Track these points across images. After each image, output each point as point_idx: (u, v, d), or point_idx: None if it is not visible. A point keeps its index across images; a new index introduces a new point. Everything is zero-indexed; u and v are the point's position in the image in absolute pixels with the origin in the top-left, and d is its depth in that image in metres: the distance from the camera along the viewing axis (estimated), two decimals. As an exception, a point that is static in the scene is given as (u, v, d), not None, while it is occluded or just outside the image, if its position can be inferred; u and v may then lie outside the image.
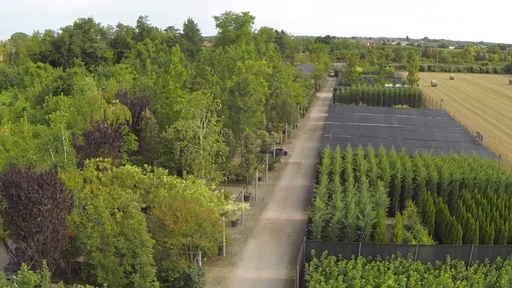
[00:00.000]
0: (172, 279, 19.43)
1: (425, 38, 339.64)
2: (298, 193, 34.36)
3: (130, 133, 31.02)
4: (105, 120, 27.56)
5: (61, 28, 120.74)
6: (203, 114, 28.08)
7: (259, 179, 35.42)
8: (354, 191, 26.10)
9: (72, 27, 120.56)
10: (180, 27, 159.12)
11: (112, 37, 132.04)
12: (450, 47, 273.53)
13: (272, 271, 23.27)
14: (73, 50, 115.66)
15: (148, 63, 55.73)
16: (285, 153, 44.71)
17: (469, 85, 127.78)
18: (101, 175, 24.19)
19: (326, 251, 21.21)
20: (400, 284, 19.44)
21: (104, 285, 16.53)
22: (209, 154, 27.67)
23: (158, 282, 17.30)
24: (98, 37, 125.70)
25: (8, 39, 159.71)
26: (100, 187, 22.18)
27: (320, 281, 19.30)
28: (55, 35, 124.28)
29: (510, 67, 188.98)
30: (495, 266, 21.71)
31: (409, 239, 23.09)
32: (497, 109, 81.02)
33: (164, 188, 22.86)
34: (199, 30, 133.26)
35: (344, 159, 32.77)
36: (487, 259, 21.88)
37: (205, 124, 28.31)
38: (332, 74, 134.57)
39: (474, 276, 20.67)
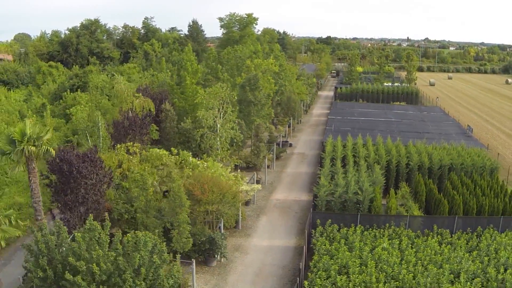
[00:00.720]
0: (199, 242, 22.86)
1: (426, 39, 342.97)
2: (303, 178, 37.81)
3: (151, 124, 34.45)
4: (132, 110, 30.95)
5: (67, 29, 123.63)
6: (220, 105, 31.56)
7: (268, 166, 38.87)
8: (353, 172, 29.59)
9: (78, 28, 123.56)
10: (182, 28, 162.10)
11: (118, 37, 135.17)
12: (451, 48, 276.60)
13: (282, 240, 26.72)
14: (80, 50, 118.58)
15: (163, 61, 59.24)
16: (290, 145, 48.17)
17: (466, 85, 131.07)
18: (131, 157, 27.60)
19: (330, 220, 24.65)
20: (393, 247, 22.91)
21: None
22: (225, 141, 31.14)
23: (191, 239, 20.67)
24: (104, 38, 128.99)
25: (12, 40, 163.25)
26: (132, 168, 25.54)
27: (325, 244, 22.73)
28: (62, 35, 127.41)
29: (508, 68, 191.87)
30: (476, 234, 25.13)
31: (402, 212, 26.54)
32: (491, 106, 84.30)
33: (188, 168, 26.27)
34: (204, 31, 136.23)
35: (345, 147, 36.25)
36: (469, 228, 25.31)
37: (221, 113, 31.80)
38: (334, 74, 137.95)
39: (458, 241, 24.08)
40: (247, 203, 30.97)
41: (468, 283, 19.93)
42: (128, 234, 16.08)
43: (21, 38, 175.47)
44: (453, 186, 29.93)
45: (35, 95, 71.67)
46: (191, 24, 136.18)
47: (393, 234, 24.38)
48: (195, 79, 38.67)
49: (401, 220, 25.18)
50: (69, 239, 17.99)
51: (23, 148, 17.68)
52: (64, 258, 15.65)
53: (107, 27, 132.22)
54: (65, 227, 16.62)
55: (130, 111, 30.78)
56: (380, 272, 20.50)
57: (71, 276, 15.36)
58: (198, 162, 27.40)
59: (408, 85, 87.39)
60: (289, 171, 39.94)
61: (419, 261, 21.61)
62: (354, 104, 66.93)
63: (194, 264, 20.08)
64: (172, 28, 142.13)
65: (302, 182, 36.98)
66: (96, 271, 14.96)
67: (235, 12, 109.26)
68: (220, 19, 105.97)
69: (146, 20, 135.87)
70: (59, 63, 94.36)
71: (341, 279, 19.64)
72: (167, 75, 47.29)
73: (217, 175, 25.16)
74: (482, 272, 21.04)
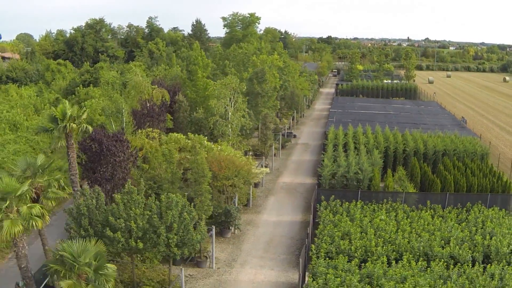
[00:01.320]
0: (216, 214, 25.47)
1: (426, 39, 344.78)
2: (307, 165, 40.42)
3: (166, 113, 37.07)
4: (150, 100, 33.53)
5: (73, 28, 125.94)
6: (231, 95, 34.19)
7: (274, 154, 41.47)
8: (354, 156, 32.23)
9: (83, 27, 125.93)
10: (183, 28, 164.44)
11: (122, 37, 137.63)
12: (451, 48, 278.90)
13: (290, 216, 29.36)
14: (86, 49, 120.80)
15: (173, 57, 61.93)
16: (294, 136, 50.81)
17: (464, 82, 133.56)
18: (151, 142, 30.20)
19: (333, 196, 27.27)
20: (390, 218, 25.53)
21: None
22: (236, 127, 33.78)
23: (211, 207, 23.23)
24: (109, 37, 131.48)
25: (14, 39, 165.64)
26: (154, 148, 28.13)
27: (329, 216, 25.33)
28: (67, 35, 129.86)
29: (506, 66, 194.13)
30: (465, 209, 27.73)
31: (398, 189, 29.17)
32: (488, 103, 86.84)
33: (204, 150, 28.87)
34: (207, 30, 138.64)
35: (346, 135, 38.87)
36: (459, 204, 27.92)
37: (232, 103, 34.43)
38: (335, 73, 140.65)
39: (448, 215, 26.68)
40: (256, 185, 33.58)
41: (457, 247, 22.51)
42: (162, 195, 18.66)
43: (23, 38, 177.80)
44: (445, 168, 32.57)
45: (45, 92, 74.13)
46: (194, 23, 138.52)
47: (390, 208, 26.97)
48: (205, 73, 41.31)
49: (397, 196, 27.79)
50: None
51: (65, 125, 20.23)
52: (104, 218, 18.22)
53: (111, 27, 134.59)
54: (102, 193, 19.18)
55: (147, 101, 33.38)
56: (378, 238, 23.10)
57: (111, 233, 17.93)
58: (213, 145, 30.00)
59: (407, 81, 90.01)
60: (294, 158, 42.57)
61: (414, 230, 24.23)
62: (355, 99, 69.59)
63: (214, 230, 22.68)
64: (174, 28, 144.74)
65: (306, 168, 39.59)
66: (134, 227, 17.55)
67: (238, 12, 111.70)
68: (224, 19, 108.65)
69: (150, 20, 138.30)
70: (67, 61, 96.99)
71: (344, 244, 22.25)
72: (178, 69, 50.06)
73: (231, 156, 27.76)
74: (470, 239, 23.63)
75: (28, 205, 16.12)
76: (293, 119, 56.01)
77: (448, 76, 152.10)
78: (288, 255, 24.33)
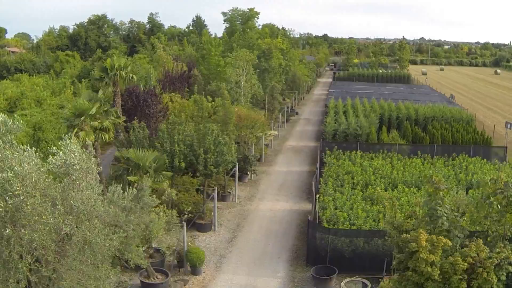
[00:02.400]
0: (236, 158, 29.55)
1: (421, 38, 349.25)
2: (310, 133, 44.63)
3: (185, 82, 41.15)
4: (172, 70, 37.65)
5: (75, 24, 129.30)
6: (244, 66, 38.39)
7: (279, 126, 45.58)
8: (353, 117, 36.41)
9: (86, 23, 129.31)
10: (180, 26, 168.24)
11: (124, 32, 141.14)
12: (446, 47, 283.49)
13: (298, 167, 33.53)
14: (89, 44, 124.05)
15: (185, 41, 66.22)
16: (297, 113, 55.00)
17: (457, 75, 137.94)
18: (173, 104, 34.29)
19: (336, 146, 31.41)
20: (386, 163, 29.69)
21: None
22: (248, 94, 37.95)
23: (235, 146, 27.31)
24: (111, 32, 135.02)
25: (12, 38, 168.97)
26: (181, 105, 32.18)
27: (333, 160, 29.46)
28: (70, 31, 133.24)
29: (499, 61, 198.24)
30: (451, 158, 31.92)
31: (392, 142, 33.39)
32: (479, 90, 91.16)
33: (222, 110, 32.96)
34: (207, 26, 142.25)
35: (345, 105, 43.09)
36: (446, 154, 32.12)
37: (245, 73, 38.61)
38: (332, 66, 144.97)
39: (437, 161, 30.87)
40: (266, 145, 37.69)
41: (444, 179, 26.65)
42: (200, 124, 22.74)
43: (21, 37, 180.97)
44: (434, 128, 36.81)
45: (55, 79, 77.76)
46: (194, 19, 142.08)
47: (386, 156, 31.14)
48: (218, 51, 45.47)
49: (391, 147, 31.98)
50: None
51: (115, 73, 24.29)
52: (150, 144, 22.27)
53: (114, 22, 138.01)
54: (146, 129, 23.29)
55: (169, 71, 37.52)
56: (376, 175, 27.26)
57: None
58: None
59: (401, 70, 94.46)
60: (297, 129, 46.80)
61: (406, 170, 28.40)
62: (352, 83, 73.97)
63: (237, 166, 26.74)
64: (172, 26, 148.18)
65: (309, 135, 43.80)
66: (177, 150, 21.63)
67: (237, 7, 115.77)
68: (224, 14, 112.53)
69: (151, 16, 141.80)
70: (75, 52, 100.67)
71: (347, 178, 26.40)
72: (191, 49, 54.30)
73: (247, 111, 31.92)
74: (455, 177, 27.81)
75: (98, 121, 20.24)
76: (295, 99, 60.19)
77: (441, 70, 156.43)
78: (299, 193, 28.47)
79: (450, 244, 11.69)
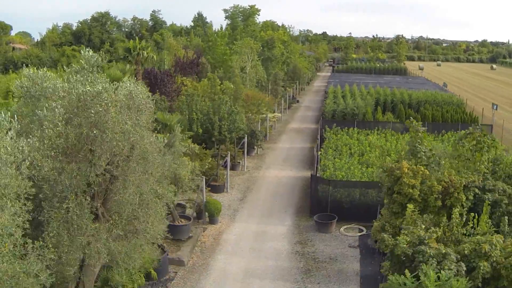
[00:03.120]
0: (242, 135, 32.29)
1: (420, 37, 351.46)
2: (311, 117, 47.46)
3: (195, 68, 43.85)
4: (183, 57, 40.44)
5: (79, 21, 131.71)
6: (249, 53, 41.20)
7: (281, 112, 48.40)
8: (350, 99, 39.23)
9: (89, 21, 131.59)
10: (182, 23, 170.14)
11: (127, 29, 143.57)
12: (444, 45, 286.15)
13: (300, 145, 36.33)
14: (92, 40, 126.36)
15: (192, 33, 69.02)
16: (298, 101, 57.83)
17: (454, 70, 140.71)
18: (185, 87, 37.05)
19: (335, 124, 34.22)
20: (380, 137, 32.49)
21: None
22: (254, 79, 40.79)
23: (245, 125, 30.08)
24: (114, 29, 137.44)
25: (15, 35, 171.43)
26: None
27: (332, 135, 32.26)
28: (73, 28, 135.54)
29: (495, 57, 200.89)
30: (440, 134, 34.74)
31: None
32: (474, 83, 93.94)
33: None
34: (208, 22, 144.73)
35: (343, 91, 45.92)
36: (436, 131, 34.93)
37: (250, 60, 41.42)
38: (331, 62, 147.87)
39: (428, 137, 33.65)
40: (271, 126, 40.48)
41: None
42: (215, 96, 25.51)
43: (22, 36, 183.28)
44: (425, 109, 39.66)
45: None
46: (196, 16, 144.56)
47: (380, 132, 33.96)
48: (223, 41, 48.28)
49: (386, 125, 34.80)
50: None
51: (138, 52, 27.10)
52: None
53: (117, 19, 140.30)
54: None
55: (179, 58, 40.31)
56: (371, 146, 30.07)
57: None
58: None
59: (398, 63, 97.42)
60: (299, 114, 49.65)
61: (399, 143, 31.20)
62: (350, 74, 76.85)
63: (246, 138, 29.48)
64: (173, 24, 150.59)
65: (310, 119, 46.62)
66: (195, 118, 24.41)
67: (238, 4, 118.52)
68: (225, 10, 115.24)
69: (153, 13, 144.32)
70: (82, 46, 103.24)
71: (345, 149, 29.19)
72: (199, 40, 57.09)
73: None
74: (444, 149, 30.59)
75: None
76: (296, 89, 63.02)
77: (439, 65, 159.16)
78: (301, 164, 31.27)
79: (428, 173, 14.49)
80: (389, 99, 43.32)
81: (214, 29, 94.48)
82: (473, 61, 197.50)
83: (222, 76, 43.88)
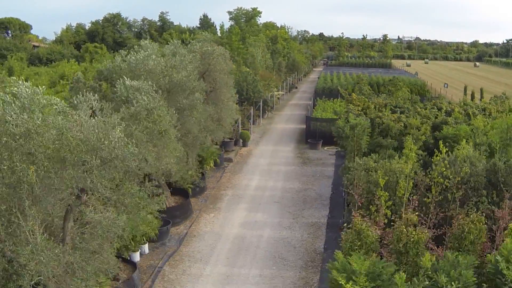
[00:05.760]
0: (255, 100, 45.27)
1: (417, 38, 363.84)
2: (306, 97, 60.52)
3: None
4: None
5: (91, 22, 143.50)
6: (260, 46, 54.29)
7: (283, 95, 61.47)
8: (336, 80, 52.43)
9: (101, 21, 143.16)
10: (188, 24, 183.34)
11: (136, 29, 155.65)
12: (435, 45, 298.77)
13: (298, 112, 49.46)
14: (106, 39, 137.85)
15: (209, 31, 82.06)
16: (296, 87, 70.97)
17: (439, 67, 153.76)
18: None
19: (324, 96, 47.27)
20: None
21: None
22: (264, 64, 53.91)
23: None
24: (125, 30, 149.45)
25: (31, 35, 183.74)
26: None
27: (321, 103, 45.29)
28: (86, 27, 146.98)
29: (481, 56, 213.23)
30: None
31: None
32: (453, 77, 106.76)
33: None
34: (213, 24, 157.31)
35: (332, 78, 59.16)
36: (397, 101, 47.98)
37: (260, 51, 54.51)
38: (326, 61, 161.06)
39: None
40: (278, 99, 53.54)
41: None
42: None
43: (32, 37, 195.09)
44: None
45: (90, 67, 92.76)
46: (202, 17, 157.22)
47: (357, 102, 46.99)
48: (237, 38, 61.32)
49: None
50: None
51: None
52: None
53: (127, 20, 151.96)
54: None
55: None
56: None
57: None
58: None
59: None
60: (297, 95, 62.87)
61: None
62: (340, 67, 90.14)
63: (261, 103, 42.41)
64: (177, 25, 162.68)
65: (306, 98, 59.74)
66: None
67: (241, 7, 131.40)
68: (229, 12, 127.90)
69: (162, 14, 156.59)
70: (102, 44, 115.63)
71: (329, 106, 42.14)
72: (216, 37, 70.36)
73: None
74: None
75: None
76: (294, 78, 76.21)
77: (426, 63, 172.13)
78: (299, 122, 44.16)
79: (366, 100, 27.50)
80: (373, 81, 56.49)
81: (225, 29, 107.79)
82: (460, 60, 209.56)
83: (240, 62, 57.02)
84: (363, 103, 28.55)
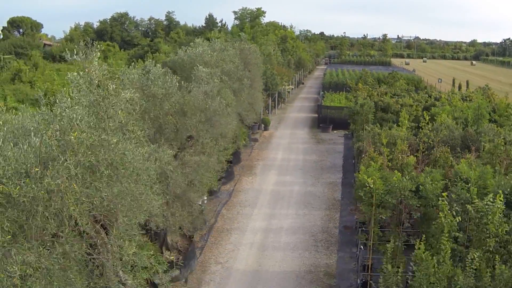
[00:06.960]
0: (272, 92, 50.89)
1: (416, 37, 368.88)
2: (314, 91, 66.32)
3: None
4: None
5: (99, 21, 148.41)
6: (271, 45, 59.90)
7: (292, 89, 67.13)
8: (341, 75, 58.14)
9: (109, 20, 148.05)
10: (194, 24, 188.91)
11: (144, 28, 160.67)
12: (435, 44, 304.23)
13: (308, 104, 55.13)
14: (114, 38, 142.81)
15: (221, 30, 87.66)
16: (303, 83, 76.67)
17: (436, 65, 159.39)
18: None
19: (330, 89, 52.93)
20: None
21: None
22: (275, 60, 59.57)
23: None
24: (133, 29, 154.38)
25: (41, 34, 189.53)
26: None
27: (329, 95, 50.93)
28: (94, 26, 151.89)
29: (478, 55, 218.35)
30: (400, 96, 53.57)
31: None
32: (450, 74, 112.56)
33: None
34: (218, 24, 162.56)
35: (337, 72, 64.87)
36: (397, 94, 53.75)
37: (272, 49, 60.14)
38: (327, 60, 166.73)
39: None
40: (288, 92, 59.16)
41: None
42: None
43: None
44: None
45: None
46: (207, 17, 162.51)
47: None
48: (249, 37, 66.90)
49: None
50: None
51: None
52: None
53: (134, 19, 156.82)
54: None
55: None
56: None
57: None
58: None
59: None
60: (305, 90, 68.59)
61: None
62: (343, 65, 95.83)
63: (277, 94, 48.03)
64: (184, 24, 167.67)
65: (313, 92, 65.49)
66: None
67: (246, 7, 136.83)
68: (235, 12, 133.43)
69: (168, 14, 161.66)
70: (115, 42, 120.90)
71: (336, 97, 47.82)
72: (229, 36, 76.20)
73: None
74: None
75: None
76: (301, 74, 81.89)
77: (424, 61, 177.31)
78: (310, 112, 49.97)
79: (371, 89, 33.17)
80: (375, 76, 62.12)
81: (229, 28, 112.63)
82: (458, 58, 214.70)
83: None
84: (367, 91, 34.28)
